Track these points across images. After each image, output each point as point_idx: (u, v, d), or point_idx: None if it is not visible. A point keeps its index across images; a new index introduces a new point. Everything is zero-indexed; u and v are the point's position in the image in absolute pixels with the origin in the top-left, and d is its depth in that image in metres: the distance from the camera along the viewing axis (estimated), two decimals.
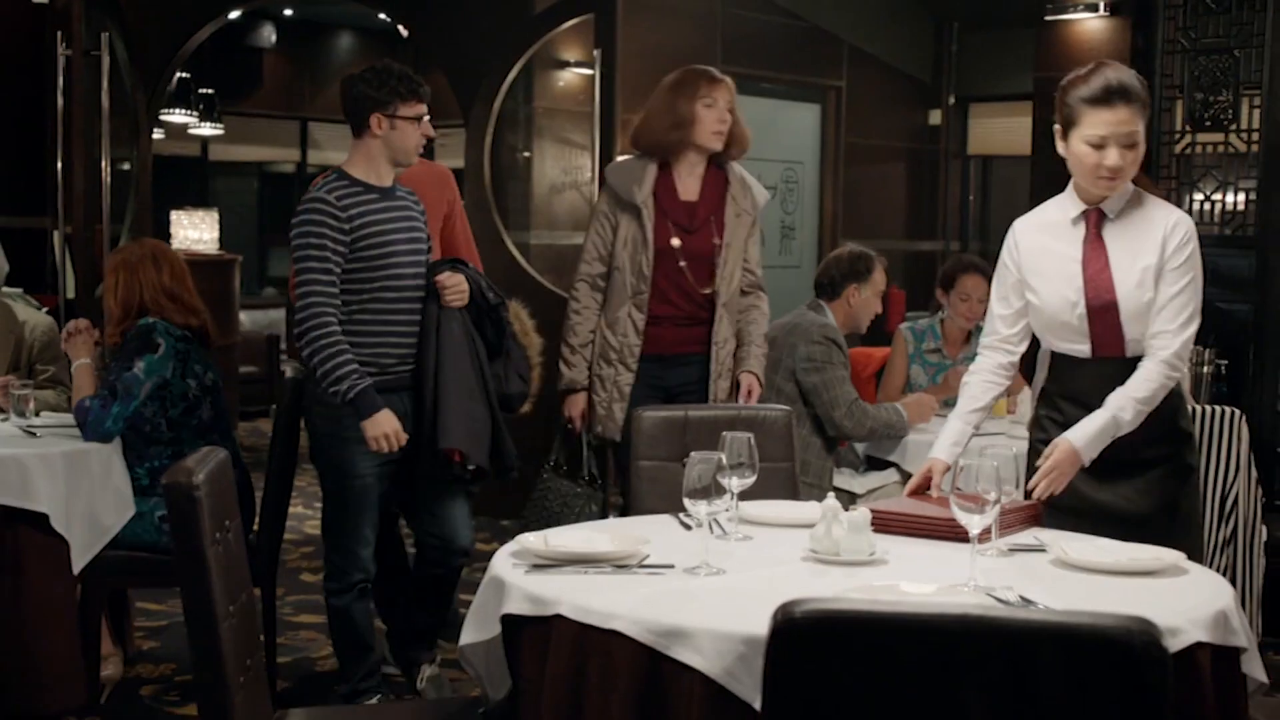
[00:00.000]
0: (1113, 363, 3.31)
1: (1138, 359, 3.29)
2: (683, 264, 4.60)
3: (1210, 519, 4.23)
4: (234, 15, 9.05)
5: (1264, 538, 4.30)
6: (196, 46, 8.60)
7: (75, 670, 4.21)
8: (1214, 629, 2.55)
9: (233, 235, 11.24)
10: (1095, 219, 3.33)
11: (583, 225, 7.66)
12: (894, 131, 10.33)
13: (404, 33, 11.92)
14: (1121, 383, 3.26)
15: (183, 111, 11.00)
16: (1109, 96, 3.23)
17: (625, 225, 4.60)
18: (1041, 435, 3.46)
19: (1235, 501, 4.21)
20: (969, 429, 3.52)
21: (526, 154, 8.53)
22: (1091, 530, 3.18)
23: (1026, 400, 5.09)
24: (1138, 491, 3.33)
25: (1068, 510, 3.31)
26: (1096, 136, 3.24)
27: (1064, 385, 3.40)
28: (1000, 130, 10.46)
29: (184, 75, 10.38)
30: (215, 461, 2.79)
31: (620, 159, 4.82)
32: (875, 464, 5.26)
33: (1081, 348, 3.34)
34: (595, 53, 7.19)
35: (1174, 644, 2.40)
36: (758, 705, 2.28)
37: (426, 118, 4.22)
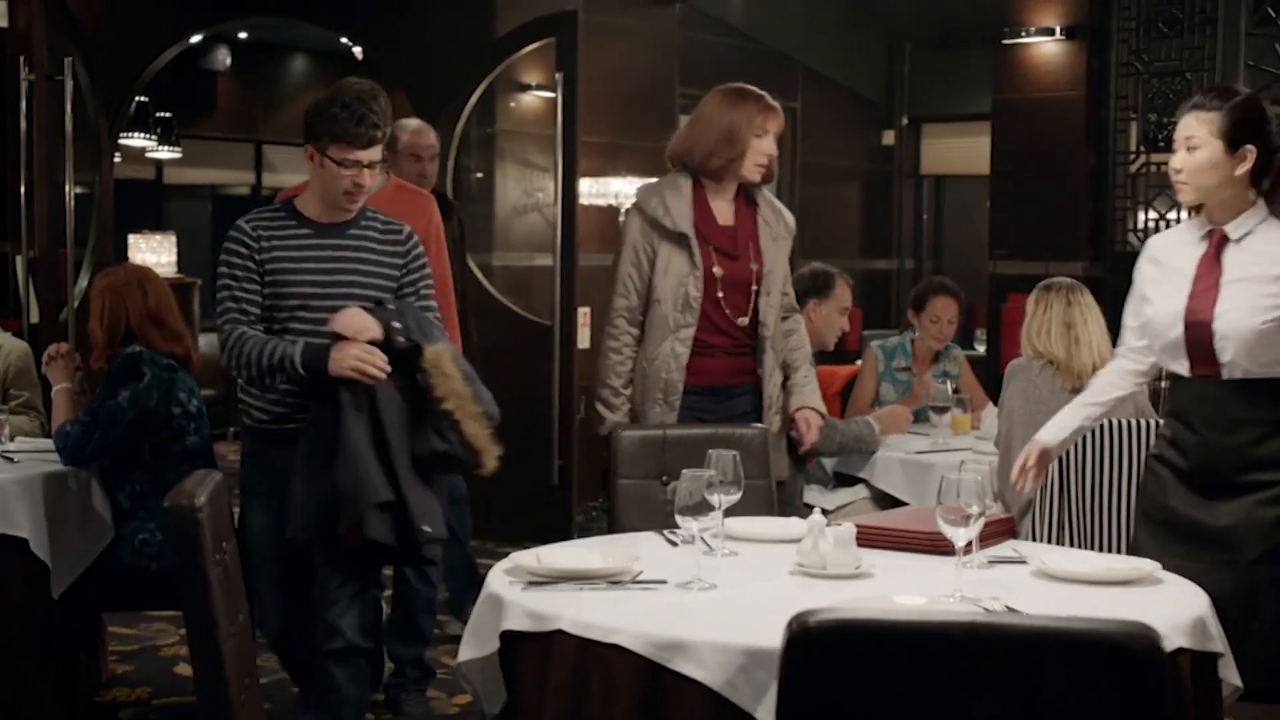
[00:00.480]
0: (1210, 383, 3.34)
1: (1239, 381, 3.32)
2: (720, 295, 4.31)
3: None
4: (195, 39, 9.06)
5: None
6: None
7: (53, 695, 4.22)
8: (1193, 635, 2.64)
9: (187, 258, 11.21)
10: (1218, 240, 3.39)
11: (545, 247, 7.73)
12: (848, 152, 10.46)
13: (359, 55, 11.99)
14: (1218, 405, 3.33)
15: (141, 135, 10.99)
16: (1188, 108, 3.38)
17: (666, 253, 4.28)
18: (1154, 451, 3.54)
19: None
20: (1080, 421, 3.63)
21: (487, 176, 8.58)
22: (1183, 547, 3.27)
23: (992, 416, 5.20)
24: (1233, 513, 3.38)
25: (1161, 523, 3.40)
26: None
27: (1172, 402, 3.48)
28: (953, 150, 10.62)
29: (142, 99, 10.37)
30: (213, 484, 2.83)
31: (648, 184, 4.47)
32: (844, 480, 5.35)
33: (1181, 365, 3.41)
34: (557, 76, 7.27)
35: None
36: (757, 714, 2.34)
37: (367, 169, 3.77)
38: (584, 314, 7.47)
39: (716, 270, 4.30)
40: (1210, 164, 3.32)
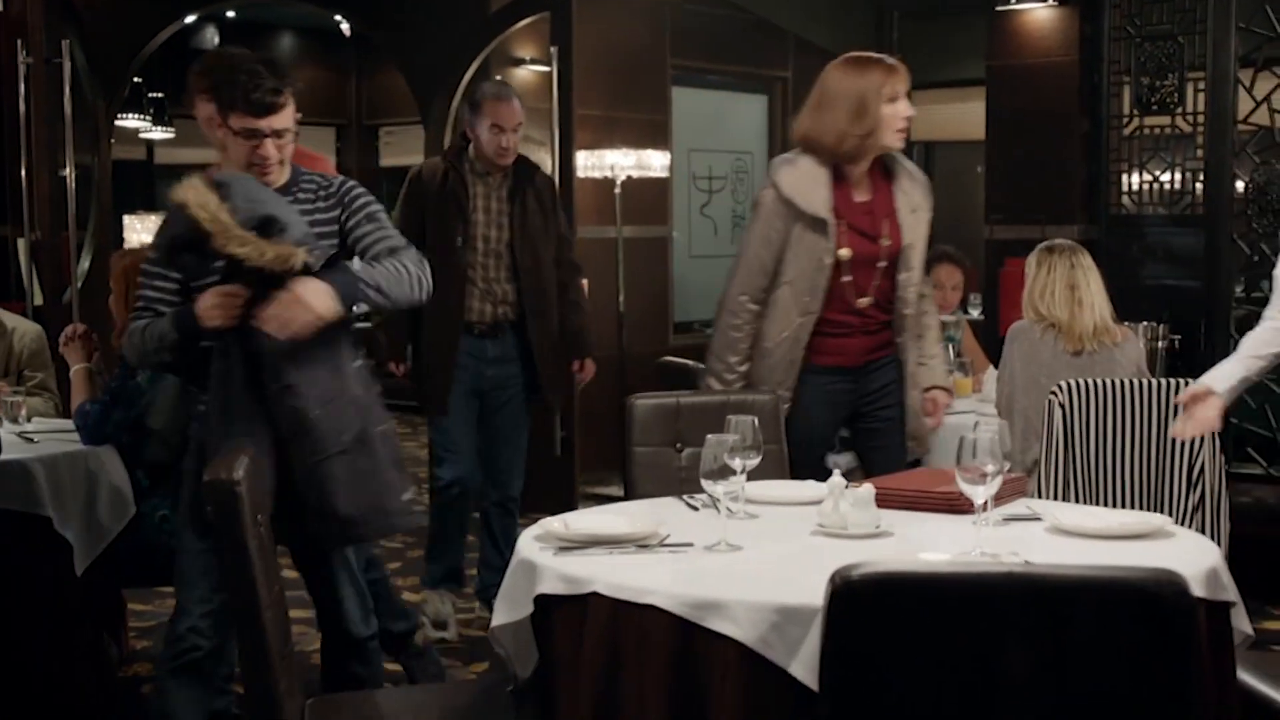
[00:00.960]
0: None
1: None
2: (849, 277, 4.17)
3: (1179, 487, 4.41)
4: (190, 19, 9.08)
5: (1228, 504, 4.49)
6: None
7: (78, 671, 4.29)
8: (1207, 585, 2.72)
9: None
10: None
11: None
12: None
13: (347, 32, 12.02)
14: None
15: (135, 116, 11.01)
16: None
17: (799, 234, 4.14)
18: None
19: (1201, 469, 4.40)
20: (1242, 370, 3.81)
21: None
22: None
23: (992, 379, 5.27)
24: None
25: None
26: None
27: None
28: (943, 116, 10.66)
29: (136, 80, 10.39)
30: (249, 458, 2.90)
31: (785, 159, 4.23)
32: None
33: None
34: (552, 50, 7.32)
35: None
36: (791, 669, 2.42)
37: (272, 138, 3.47)
38: (583, 285, 7.52)
39: (844, 253, 4.12)
40: None
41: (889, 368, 4.29)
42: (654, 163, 8.00)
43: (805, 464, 4.06)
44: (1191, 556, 2.83)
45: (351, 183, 3.69)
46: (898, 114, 4.05)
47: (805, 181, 4.11)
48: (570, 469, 7.40)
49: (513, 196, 5.24)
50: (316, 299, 3.29)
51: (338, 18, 9.58)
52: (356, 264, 3.50)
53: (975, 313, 7.89)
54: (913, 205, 4.24)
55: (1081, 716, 1.91)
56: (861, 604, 1.88)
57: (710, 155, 9.31)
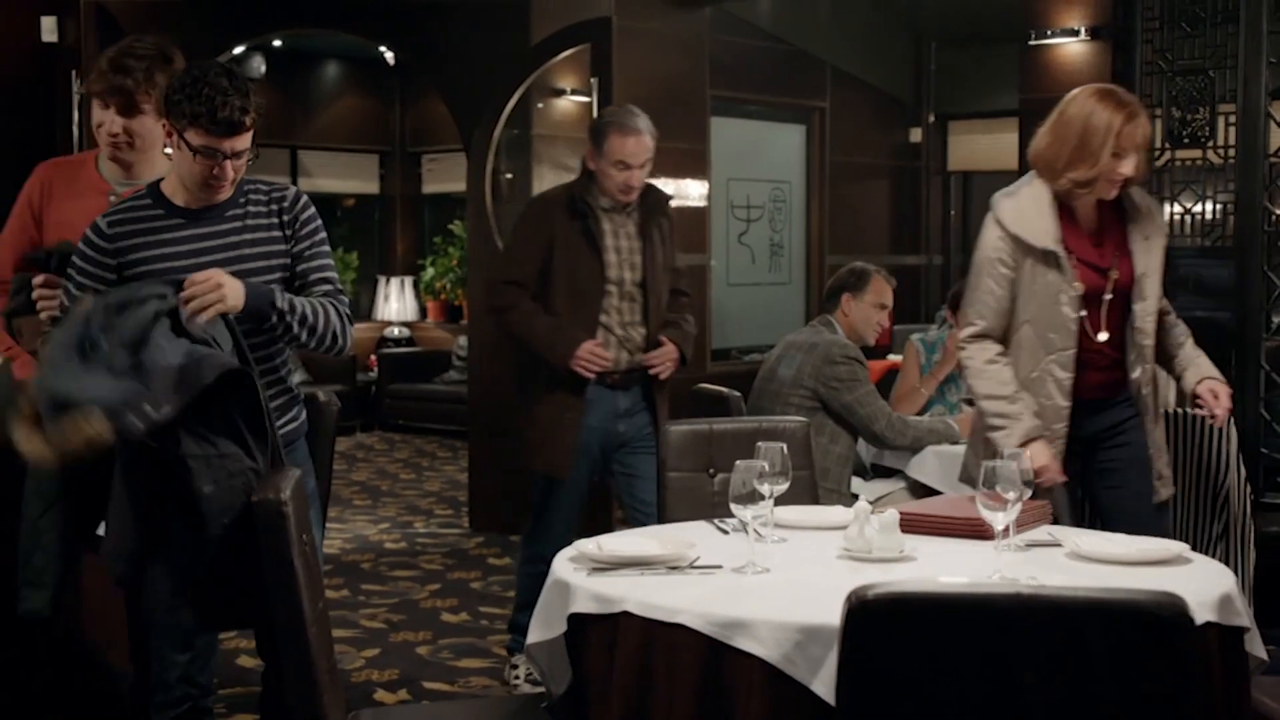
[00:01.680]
0: None
1: None
2: (1082, 313, 3.94)
3: (1204, 515, 4.49)
4: (239, 50, 9.27)
5: (1254, 533, 4.56)
6: None
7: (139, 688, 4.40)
8: (1220, 610, 2.80)
9: None
10: None
11: None
12: (876, 149, 10.60)
13: (390, 63, 12.21)
14: None
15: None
16: None
17: (1031, 272, 3.92)
18: None
19: (1227, 498, 4.47)
20: None
21: (524, 178, 8.76)
22: None
23: None
24: None
25: None
26: None
27: None
28: (979, 146, 10.74)
29: None
30: (294, 479, 3.02)
31: (1005, 193, 4.03)
32: (881, 471, 5.54)
33: None
34: (592, 81, 7.46)
35: None
36: (813, 687, 2.51)
37: (231, 159, 3.33)
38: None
39: (1076, 285, 3.90)
40: None
41: (1121, 406, 4.03)
42: (692, 191, 8.11)
43: None
44: (1205, 582, 2.91)
45: (305, 199, 3.59)
46: (1119, 171, 3.82)
47: (1029, 213, 3.92)
48: (607, 493, 7.50)
49: (643, 233, 4.91)
50: (231, 288, 3.26)
51: (382, 48, 9.74)
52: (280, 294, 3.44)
53: None
54: (1145, 233, 3.99)
55: None
56: (876, 623, 1.98)
57: (749, 184, 9.41)
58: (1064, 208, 3.92)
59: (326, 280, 3.58)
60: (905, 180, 10.84)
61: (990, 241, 3.97)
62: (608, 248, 4.84)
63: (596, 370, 4.80)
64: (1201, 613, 2.73)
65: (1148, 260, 3.97)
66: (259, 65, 12.35)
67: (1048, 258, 3.88)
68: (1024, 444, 3.80)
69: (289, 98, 12.97)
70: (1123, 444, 4.05)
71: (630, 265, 4.88)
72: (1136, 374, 3.99)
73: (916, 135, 10.78)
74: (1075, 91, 3.92)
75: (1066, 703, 1.99)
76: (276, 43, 12.22)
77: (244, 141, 3.35)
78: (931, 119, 10.72)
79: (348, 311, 3.57)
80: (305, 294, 3.54)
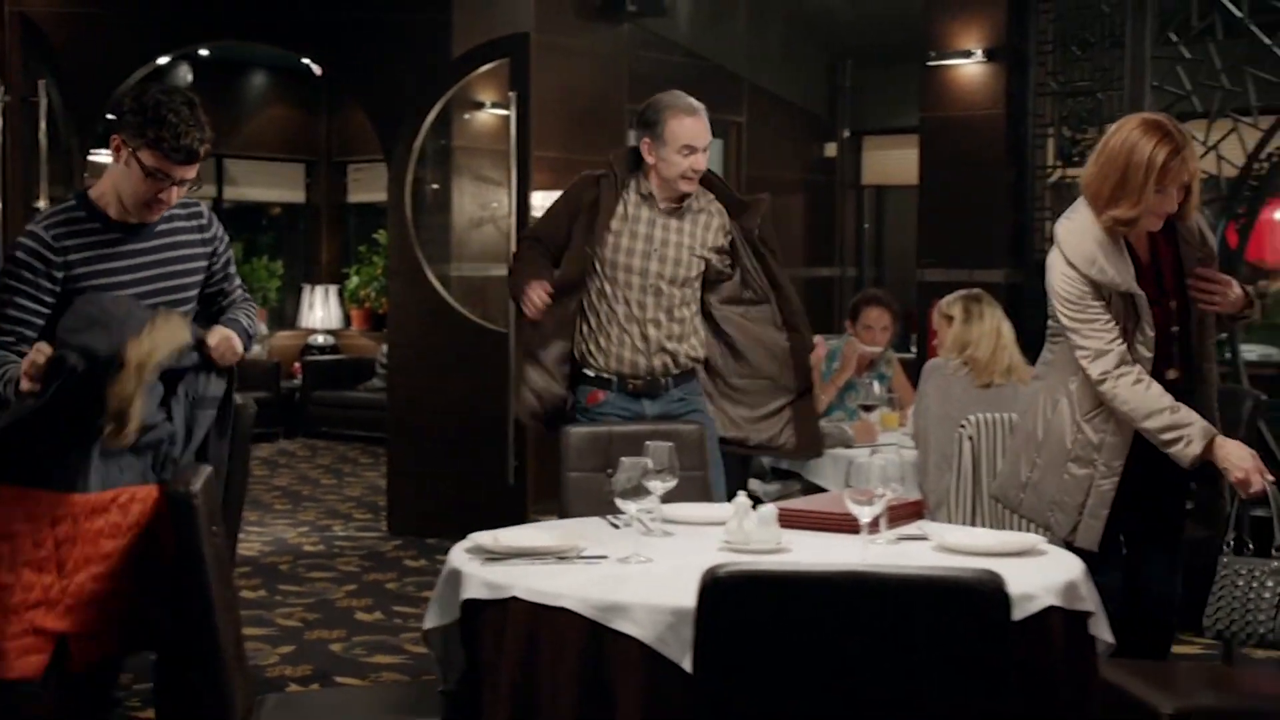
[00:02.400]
0: None
1: None
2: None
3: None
4: (162, 60, 9.37)
5: None
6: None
7: None
8: (1064, 595, 3.03)
9: None
10: None
11: (500, 258, 8.09)
12: (792, 164, 10.87)
13: (317, 73, 12.33)
14: None
15: (108, 153, 11.27)
16: None
17: (1114, 309, 3.75)
18: None
19: None
20: None
21: (444, 189, 8.94)
22: None
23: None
24: None
25: None
26: None
27: None
28: (892, 161, 11.03)
29: (110, 118, 10.68)
30: (206, 474, 3.18)
31: (1071, 229, 3.79)
32: (780, 474, 5.77)
33: None
34: (510, 95, 7.65)
35: (1030, 607, 2.88)
36: (685, 665, 2.72)
37: (177, 186, 3.43)
38: None
39: (1148, 331, 3.76)
40: None
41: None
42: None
43: None
44: (1054, 570, 3.14)
45: (214, 217, 3.71)
46: (1162, 206, 3.68)
47: (1103, 254, 3.72)
48: (523, 496, 7.70)
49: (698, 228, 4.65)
50: (234, 341, 3.60)
51: (306, 60, 9.89)
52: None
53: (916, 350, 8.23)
54: (1196, 258, 3.83)
55: (919, 697, 2.22)
56: (726, 598, 2.19)
57: None
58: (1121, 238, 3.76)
59: (239, 288, 3.80)
60: (820, 194, 11.11)
61: (1064, 282, 3.78)
62: (639, 234, 4.56)
63: (537, 316, 4.51)
64: (1044, 597, 2.97)
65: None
66: (186, 74, 12.44)
67: (1125, 299, 3.74)
68: (1208, 447, 3.67)
69: (215, 107, 12.89)
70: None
71: (659, 257, 4.55)
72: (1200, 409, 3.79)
73: (831, 150, 11.07)
74: (1122, 121, 3.77)
75: (898, 671, 2.21)
76: (203, 52, 12.31)
77: (194, 170, 3.44)
78: (846, 134, 11.01)
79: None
80: (227, 303, 3.75)
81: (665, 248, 4.55)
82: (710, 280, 4.67)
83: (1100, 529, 3.82)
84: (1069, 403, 3.87)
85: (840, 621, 2.17)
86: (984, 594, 2.16)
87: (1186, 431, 3.68)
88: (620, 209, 4.56)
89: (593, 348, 4.60)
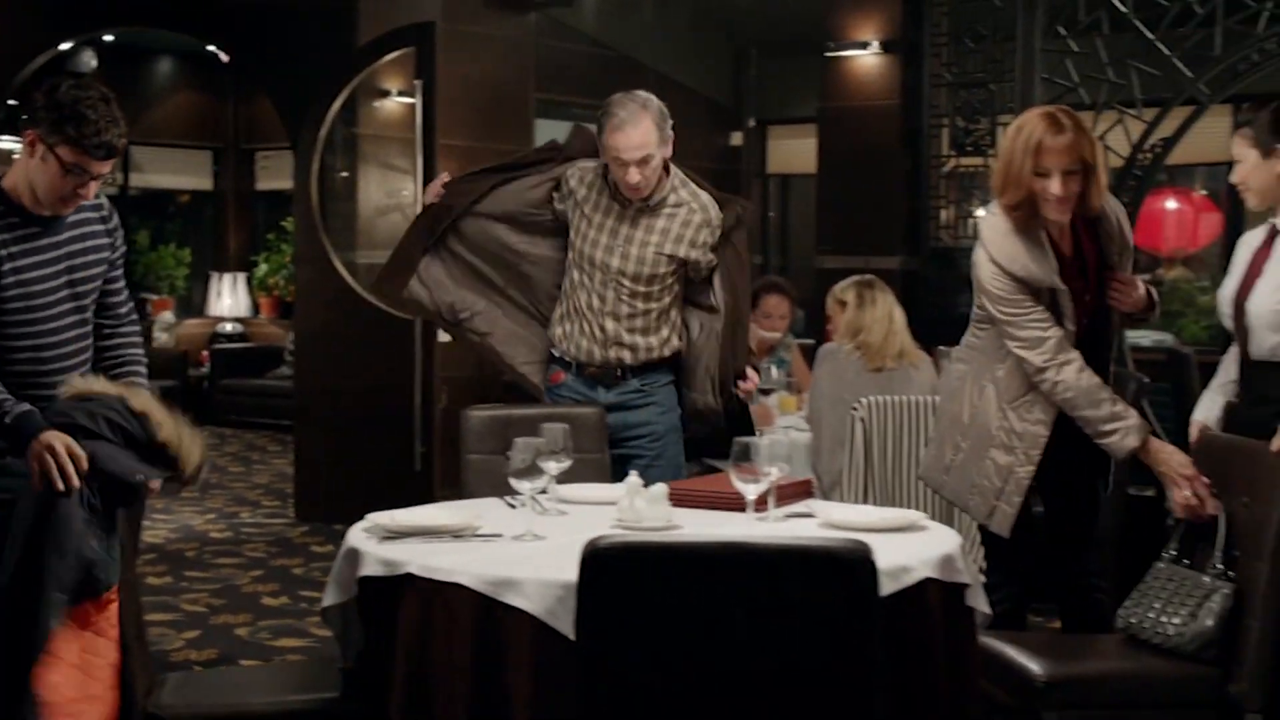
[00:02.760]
0: (1246, 362, 3.85)
1: (1265, 362, 3.77)
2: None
3: None
4: (65, 46, 9.31)
5: None
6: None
7: None
8: (940, 568, 3.16)
9: None
10: (1271, 232, 3.84)
11: None
12: (699, 153, 10.97)
13: (224, 60, 12.28)
14: (1248, 381, 3.84)
15: (11, 139, 11.18)
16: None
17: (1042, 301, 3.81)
18: None
19: None
20: (1221, 397, 3.96)
21: (351, 176, 8.97)
22: None
23: None
24: None
25: None
26: None
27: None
28: (797, 150, 11.17)
29: (12, 103, 10.58)
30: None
31: (993, 226, 3.84)
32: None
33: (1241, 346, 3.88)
34: (416, 83, 7.71)
35: (907, 579, 3.00)
36: (572, 636, 2.81)
37: (94, 180, 3.40)
38: None
39: (1069, 326, 3.81)
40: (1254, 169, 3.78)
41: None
42: None
43: None
44: (932, 544, 3.27)
45: (115, 211, 3.70)
46: (1047, 190, 3.70)
47: (1021, 249, 3.77)
48: (429, 481, 7.76)
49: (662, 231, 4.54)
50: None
51: (211, 48, 9.86)
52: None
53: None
54: (1120, 247, 3.90)
55: (793, 661, 2.33)
56: (606, 569, 2.29)
57: None
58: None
59: (126, 301, 3.77)
60: (726, 183, 11.17)
61: (992, 280, 3.81)
62: (605, 228, 4.52)
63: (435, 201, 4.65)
64: (922, 569, 3.09)
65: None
66: (90, 60, 12.32)
67: (1049, 293, 3.78)
68: (1144, 444, 3.74)
69: (121, 93, 12.63)
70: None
71: (621, 254, 4.49)
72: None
73: (737, 139, 11.20)
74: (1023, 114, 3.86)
75: (772, 639, 2.31)
76: (108, 38, 12.21)
77: (111, 165, 3.43)
78: (752, 123, 11.14)
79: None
80: (111, 307, 3.70)
81: (629, 245, 4.49)
82: (688, 278, 4.59)
83: (1013, 515, 3.87)
84: (995, 389, 3.92)
85: (715, 591, 2.28)
86: (852, 563, 2.27)
87: (1125, 424, 3.74)
88: (594, 200, 4.54)
89: (560, 330, 4.63)
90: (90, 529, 3.15)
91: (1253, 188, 3.84)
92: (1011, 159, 3.72)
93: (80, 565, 3.09)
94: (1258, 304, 3.77)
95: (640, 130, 4.34)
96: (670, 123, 4.48)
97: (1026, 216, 3.74)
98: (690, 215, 4.51)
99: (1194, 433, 4.00)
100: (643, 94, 4.47)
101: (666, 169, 4.52)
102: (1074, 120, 3.73)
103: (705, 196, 4.56)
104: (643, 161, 4.36)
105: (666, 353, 4.58)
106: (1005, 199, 3.75)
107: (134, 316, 3.81)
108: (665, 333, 4.57)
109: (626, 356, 4.54)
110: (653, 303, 4.53)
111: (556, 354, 4.66)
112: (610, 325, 4.52)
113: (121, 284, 3.77)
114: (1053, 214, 3.74)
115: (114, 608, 3.19)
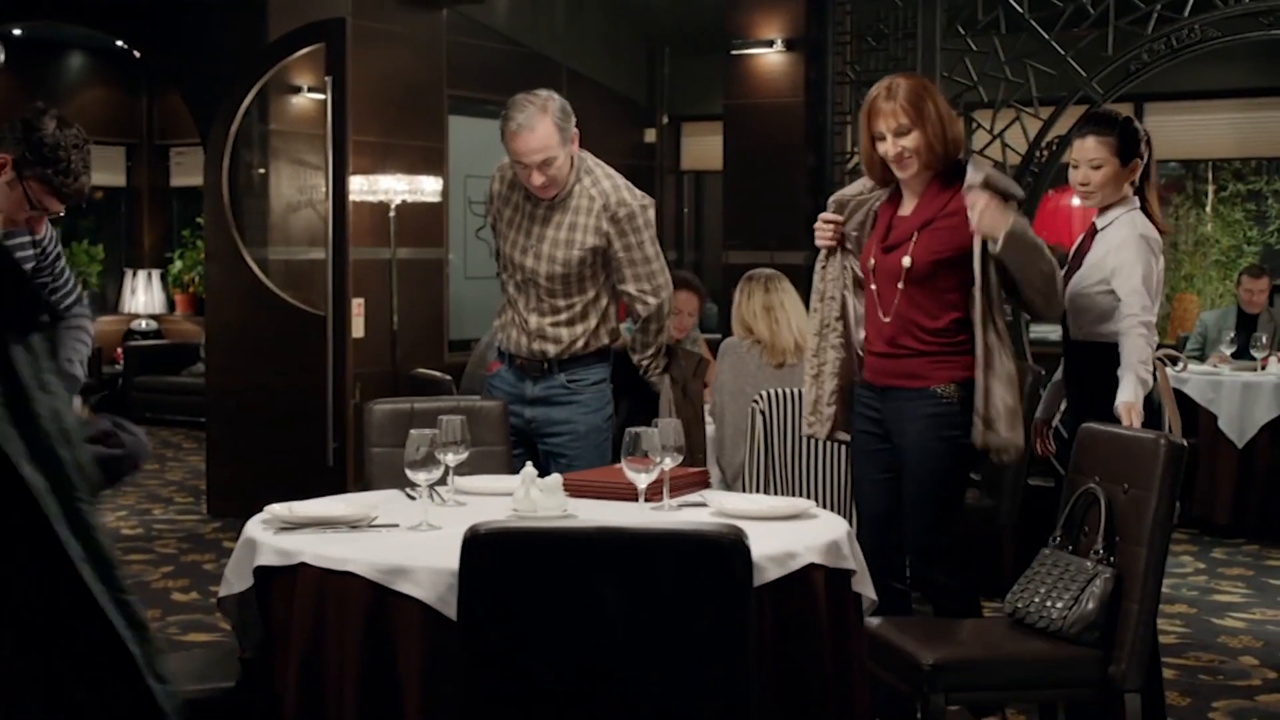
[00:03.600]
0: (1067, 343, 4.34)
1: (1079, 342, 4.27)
2: (873, 286, 4.16)
3: None
4: None
5: None
6: None
7: None
8: (826, 554, 3.24)
9: None
10: (1091, 229, 4.32)
11: (319, 241, 8.16)
12: (613, 149, 11.03)
13: (136, 55, 12.20)
14: (1068, 362, 4.37)
15: None
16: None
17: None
18: None
19: None
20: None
21: (263, 172, 8.96)
22: None
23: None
24: None
25: None
26: None
27: None
28: (710, 147, 11.27)
29: None
30: None
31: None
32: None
33: None
34: (326, 79, 7.72)
35: (793, 564, 3.08)
36: None
37: (49, 216, 3.55)
38: (358, 305, 7.92)
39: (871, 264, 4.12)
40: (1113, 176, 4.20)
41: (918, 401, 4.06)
42: (427, 187, 8.41)
43: None
44: (820, 531, 3.35)
45: (52, 233, 3.76)
46: (885, 153, 4.01)
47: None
48: (342, 476, 7.77)
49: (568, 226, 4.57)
50: None
51: (120, 43, 9.79)
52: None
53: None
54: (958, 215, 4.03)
55: (669, 644, 2.40)
56: (486, 553, 2.35)
57: (486, 181, 9.74)
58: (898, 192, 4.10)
59: (70, 290, 3.86)
60: (641, 179, 11.19)
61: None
62: (519, 227, 4.57)
63: None
64: (808, 555, 3.17)
65: (950, 240, 4.00)
66: None
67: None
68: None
69: (30, 88, 12.81)
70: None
71: (535, 254, 4.52)
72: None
73: (651, 136, 11.29)
74: None
75: (649, 622, 2.39)
76: (16, 31, 12.10)
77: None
78: (665, 120, 11.23)
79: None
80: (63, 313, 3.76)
81: (540, 244, 4.51)
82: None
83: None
84: None
85: (593, 576, 2.34)
86: (725, 547, 2.35)
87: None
88: (511, 198, 4.59)
89: (498, 321, 4.71)
90: None
91: (1099, 189, 4.23)
92: (862, 126, 4.07)
93: None
94: (1074, 290, 4.22)
95: (538, 134, 4.36)
96: (573, 119, 4.52)
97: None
98: (591, 204, 4.52)
99: (1036, 434, 4.46)
100: (543, 94, 4.49)
101: (573, 162, 4.55)
102: (902, 87, 3.98)
103: (606, 184, 4.57)
104: (545, 164, 4.38)
105: (594, 345, 4.57)
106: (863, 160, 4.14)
107: (76, 310, 3.80)
108: (593, 323, 4.55)
109: (550, 349, 4.54)
110: (575, 297, 4.54)
111: (498, 344, 4.73)
112: (534, 319, 4.55)
113: (61, 285, 3.78)
114: (900, 171, 4.01)
115: None
